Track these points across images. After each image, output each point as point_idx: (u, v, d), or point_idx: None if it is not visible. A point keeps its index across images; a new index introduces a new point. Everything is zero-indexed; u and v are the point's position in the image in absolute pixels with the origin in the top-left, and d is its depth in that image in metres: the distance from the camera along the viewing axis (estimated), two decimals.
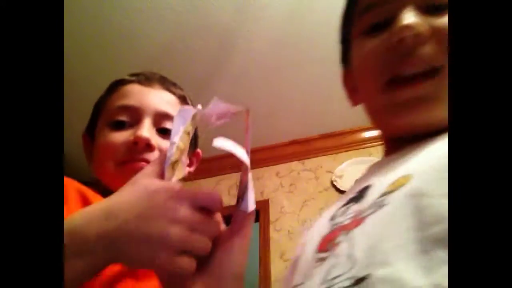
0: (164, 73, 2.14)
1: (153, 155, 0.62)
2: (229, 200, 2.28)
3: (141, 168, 0.58)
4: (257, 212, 2.15)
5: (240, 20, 1.67)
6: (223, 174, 2.39)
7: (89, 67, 1.88)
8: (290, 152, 2.28)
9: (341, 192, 2.03)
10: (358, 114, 2.22)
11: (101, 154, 0.63)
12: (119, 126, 0.63)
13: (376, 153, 2.14)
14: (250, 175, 0.42)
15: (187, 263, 0.34)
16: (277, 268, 1.90)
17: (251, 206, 0.41)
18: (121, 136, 0.62)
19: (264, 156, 2.33)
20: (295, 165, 2.27)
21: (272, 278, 1.88)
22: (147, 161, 0.61)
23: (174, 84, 0.74)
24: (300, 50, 1.80)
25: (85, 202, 0.54)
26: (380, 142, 2.25)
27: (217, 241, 0.39)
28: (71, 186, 0.55)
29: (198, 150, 0.77)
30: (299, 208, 2.08)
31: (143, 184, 0.36)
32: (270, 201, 2.17)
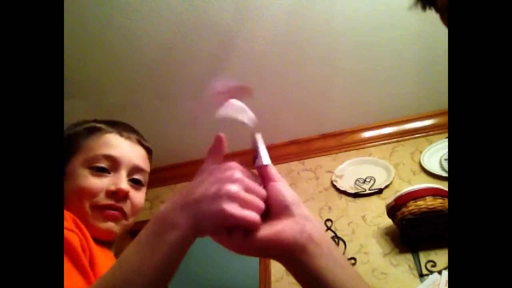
0: (164, 73, 2.14)
1: (127, 205, 0.72)
2: None
3: (115, 217, 0.70)
4: None
5: (240, 20, 1.67)
6: None
7: (89, 67, 1.88)
8: (290, 152, 2.28)
9: (341, 192, 2.03)
10: (358, 114, 2.23)
11: (79, 195, 0.69)
12: (99, 171, 0.71)
13: (376, 153, 2.14)
14: (259, 135, 0.54)
15: (251, 214, 0.40)
16: (277, 268, 1.90)
17: (266, 160, 0.50)
18: (101, 182, 0.70)
19: None
20: (295, 165, 2.27)
21: (272, 278, 1.88)
22: (122, 210, 0.71)
23: (143, 137, 0.83)
24: (300, 50, 1.80)
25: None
26: (380, 142, 2.24)
27: (268, 193, 0.47)
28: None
29: None
30: None
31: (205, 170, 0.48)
32: None
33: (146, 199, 2.68)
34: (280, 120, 2.14)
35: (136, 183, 0.75)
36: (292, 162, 2.28)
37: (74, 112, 2.10)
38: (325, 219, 1.95)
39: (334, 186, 2.06)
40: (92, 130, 0.75)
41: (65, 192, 0.70)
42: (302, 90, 1.98)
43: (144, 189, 0.78)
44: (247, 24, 1.68)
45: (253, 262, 2.24)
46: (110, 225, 0.69)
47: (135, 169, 0.75)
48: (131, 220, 0.74)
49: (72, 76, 1.90)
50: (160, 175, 2.49)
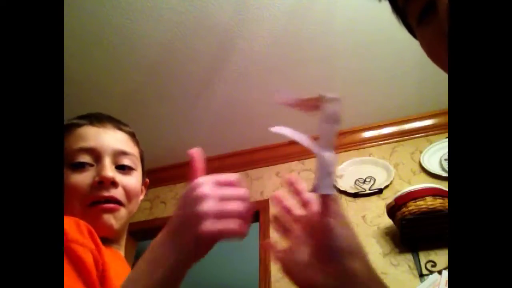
0: (164, 73, 2.14)
1: (118, 192, 0.68)
2: None
3: (109, 209, 0.66)
4: (257, 212, 2.15)
5: (240, 20, 1.67)
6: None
7: (89, 67, 1.88)
8: (290, 152, 2.28)
9: (341, 192, 2.03)
10: (358, 114, 2.23)
11: (66, 196, 0.65)
12: (80, 167, 0.67)
13: (376, 153, 2.14)
14: (323, 159, 0.44)
15: (229, 224, 0.40)
16: (277, 268, 1.90)
17: (328, 188, 0.44)
18: (84, 177, 0.66)
19: (264, 156, 2.33)
20: (295, 165, 2.27)
21: (272, 278, 1.88)
22: (114, 198, 0.67)
23: (122, 122, 0.79)
24: (300, 50, 1.80)
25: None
26: (380, 142, 2.24)
27: (318, 228, 0.43)
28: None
29: (147, 180, 0.84)
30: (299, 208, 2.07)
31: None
32: (270, 201, 2.17)
33: (146, 199, 2.67)
34: (280, 120, 2.14)
35: (124, 169, 0.71)
36: (292, 162, 2.28)
37: (74, 112, 2.11)
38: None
39: (334, 186, 2.06)
40: (65, 128, 0.72)
41: None
42: (302, 90, 1.98)
43: (136, 173, 0.73)
44: (247, 24, 1.69)
45: (253, 262, 2.24)
46: (107, 218, 0.65)
47: (119, 154, 0.71)
48: (130, 207, 0.71)
49: (72, 76, 1.90)
50: (160, 175, 2.49)
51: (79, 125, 0.72)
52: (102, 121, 0.74)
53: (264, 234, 2.04)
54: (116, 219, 0.67)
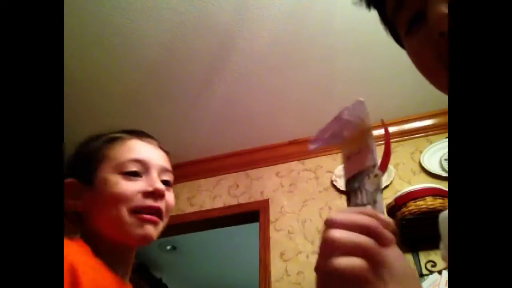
0: (164, 73, 2.14)
1: (162, 205, 0.71)
2: (229, 200, 2.28)
3: (153, 221, 0.69)
4: (257, 212, 2.15)
5: (240, 20, 1.67)
6: (223, 174, 2.39)
7: (89, 67, 1.88)
8: (290, 152, 2.28)
9: (341, 192, 2.03)
10: None
11: (114, 201, 0.68)
12: (132, 175, 0.71)
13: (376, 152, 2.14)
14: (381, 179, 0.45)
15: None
16: (277, 268, 1.90)
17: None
18: (135, 185, 0.70)
19: (264, 156, 2.33)
20: (295, 165, 2.27)
21: (272, 278, 1.88)
22: (160, 210, 0.70)
23: (159, 142, 0.84)
24: (300, 50, 1.80)
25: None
26: (380, 142, 2.23)
27: None
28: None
29: None
30: (299, 208, 2.08)
31: None
32: (270, 201, 2.17)
33: None
34: (280, 120, 2.14)
35: (166, 184, 0.75)
36: (292, 162, 2.28)
37: (74, 112, 2.11)
38: (325, 219, 1.94)
39: (334, 186, 2.06)
40: (113, 139, 0.76)
41: (97, 203, 0.70)
42: (302, 90, 1.98)
43: (172, 190, 0.78)
44: (247, 24, 1.69)
45: (253, 262, 2.24)
46: (149, 229, 0.68)
47: (163, 170, 0.75)
48: (166, 220, 0.74)
49: (72, 76, 1.90)
50: None
51: (129, 139, 0.77)
52: (148, 138, 0.80)
53: (264, 234, 2.04)
54: (156, 231, 0.70)
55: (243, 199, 2.25)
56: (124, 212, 0.67)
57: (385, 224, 0.37)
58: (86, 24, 1.68)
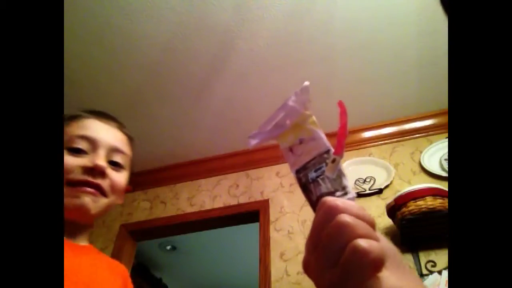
0: (164, 73, 2.14)
1: (104, 182, 0.71)
2: (229, 200, 2.28)
3: (91, 193, 0.68)
4: (257, 212, 2.15)
5: (240, 20, 1.67)
6: (223, 174, 2.39)
7: (90, 68, 1.88)
8: None
9: None
10: (358, 114, 2.22)
11: None
12: (76, 152, 0.71)
13: (376, 153, 2.14)
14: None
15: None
16: (277, 268, 1.90)
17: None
18: (77, 161, 0.70)
19: (264, 156, 2.33)
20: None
21: (272, 278, 1.88)
22: (99, 187, 0.70)
23: (123, 125, 0.84)
24: (300, 50, 1.80)
25: None
26: (380, 142, 2.23)
27: None
28: None
29: (129, 186, 0.85)
30: (299, 208, 2.08)
31: None
32: (270, 201, 2.17)
33: (146, 199, 2.67)
34: None
35: (115, 165, 0.75)
36: None
37: (74, 111, 2.11)
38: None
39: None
40: (73, 117, 0.77)
41: None
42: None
43: (125, 172, 0.77)
44: (247, 24, 1.69)
45: (253, 262, 2.24)
46: (85, 200, 0.67)
47: (113, 150, 0.75)
48: (111, 199, 0.73)
49: (72, 76, 1.90)
50: (160, 175, 2.50)
51: (86, 117, 0.78)
52: (108, 119, 0.80)
53: (264, 234, 2.04)
54: (94, 204, 0.69)
55: (243, 199, 2.25)
56: (65, 185, 0.67)
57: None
58: (86, 24, 1.68)
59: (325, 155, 0.42)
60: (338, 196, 0.39)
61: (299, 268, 1.86)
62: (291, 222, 2.04)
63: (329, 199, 0.34)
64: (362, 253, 0.29)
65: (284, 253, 1.94)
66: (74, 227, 0.70)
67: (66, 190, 0.67)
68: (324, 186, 0.41)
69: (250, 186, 2.29)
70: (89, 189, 0.68)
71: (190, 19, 1.66)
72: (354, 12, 1.65)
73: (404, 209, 1.60)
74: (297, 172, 0.44)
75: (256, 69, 1.88)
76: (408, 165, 2.03)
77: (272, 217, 2.10)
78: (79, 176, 0.68)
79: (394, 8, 1.62)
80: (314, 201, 0.41)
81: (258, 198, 2.21)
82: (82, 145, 0.71)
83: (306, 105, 0.45)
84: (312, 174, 0.43)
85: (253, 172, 2.34)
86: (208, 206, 2.29)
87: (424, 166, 1.95)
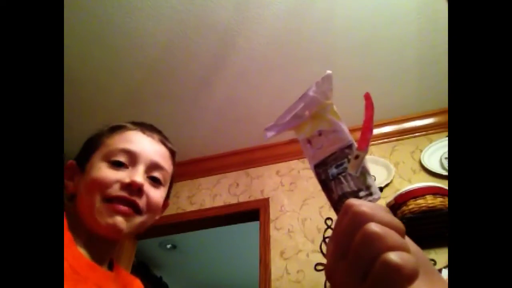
0: (164, 72, 2.14)
1: (141, 200, 0.68)
2: (229, 198, 2.28)
3: (124, 212, 0.66)
4: (257, 210, 2.15)
5: (240, 18, 1.67)
6: (223, 173, 2.39)
7: (90, 67, 1.88)
8: (290, 150, 2.28)
9: None
10: (358, 113, 2.23)
11: (91, 186, 0.67)
12: (116, 165, 0.69)
13: (376, 151, 2.14)
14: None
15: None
16: (277, 266, 1.90)
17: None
18: (115, 174, 0.68)
19: (264, 155, 2.33)
20: (295, 163, 2.27)
21: (272, 277, 1.88)
22: (135, 204, 0.67)
23: (167, 139, 0.81)
24: (300, 49, 1.80)
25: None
26: (380, 141, 2.24)
27: None
28: None
29: (168, 201, 0.82)
30: (299, 207, 2.08)
31: None
32: (270, 200, 2.17)
33: None
34: None
35: (154, 181, 0.72)
36: (292, 161, 2.28)
37: (74, 112, 2.11)
38: (325, 217, 1.95)
39: None
40: (115, 128, 0.75)
41: (82, 187, 0.68)
42: (303, 88, 1.97)
43: (163, 189, 0.74)
44: (248, 22, 1.68)
45: (253, 260, 2.25)
46: (118, 220, 0.65)
47: (153, 166, 0.72)
48: (146, 217, 0.70)
49: (72, 74, 1.90)
50: None
51: (131, 129, 0.75)
52: (152, 132, 0.77)
53: (264, 232, 2.04)
54: (127, 223, 0.67)
55: (243, 198, 2.25)
56: (97, 198, 0.65)
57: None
58: (86, 23, 1.68)
59: (347, 150, 0.39)
60: (362, 196, 0.37)
61: (299, 266, 1.86)
62: (291, 221, 2.04)
63: (355, 203, 0.32)
64: (394, 269, 0.27)
65: (284, 252, 1.94)
66: (103, 242, 0.68)
67: (102, 205, 0.65)
68: (347, 185, 0.38)
69: (250, 184, 2.29)
70: (123, 208, 0.66)
71: (190, 18, 1.66)
72: (354, 10, 1.64)
73: (404, 208, 1.60)
74: (316, 167, 0.41)
75: (256, 67, 1.88)
76: (408, 163, 2.03)
77: (272, 216, 2.10)
78: (116, 192, 0.66)
79: (394, 6, 1.62)
80: (335, 200, 0.38)
81: (258, 196, 2.21)
82: (122, 158, 0.69)
83: (328, 94, 0.41)
84: (333, 171, 0.39)
85: (253, 171, 2.34)
86: (208, 205, 2.29)
87: (424, 165, 1.95)
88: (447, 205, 1.58)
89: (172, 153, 0.80)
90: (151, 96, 2.04)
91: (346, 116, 1.96)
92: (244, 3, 1.61)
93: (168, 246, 3.49)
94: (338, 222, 0.33)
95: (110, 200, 0.66)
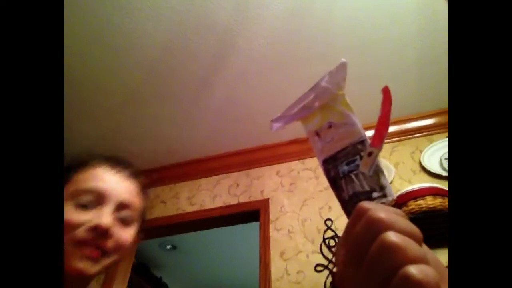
0: (164, 72, 2.14)
1: (109, 242, 0.67)
2: (229, 199, 2.28)
3: (92, 257, 0.65)
4: (257, 211, 2.15)
5: (240, 19, 1.67)
6: (223, 173, 2.39)
7: (89, 67, 1.88)
8: (291, 151, 2.28)
9: None
10: (357, 113, 2.21)
11: None
12: (83, 206, 0.67)
13: None
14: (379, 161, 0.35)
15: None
16: (277, 267, 1.90)
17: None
18: (82, 217, 0.66)
19: (264, 155, 2.33)
20: (295, 164, 2.27)
21: (272, 277, 1.88)
22: (103, 247, 0.66)
23: (140, 173, 0.78)
24: (299, 49, 1.80)
25: None
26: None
27: None
28: None
29: (140, 235, 0.81)
30: (299, 208, 2.08)
31: None
32: (270, 200, 2.17)
33: None
34: None
35: (123, 221, 0.70)
36: (292, 162, 2.28)
37: (74, 111, 2.11)
38: (325, 218, 1.95)
39: None
40: (81, 164, 0.73)
41: None
42: (303, 88, 1.97)
43: (133, 227, 0.72)
44: (247, 23, 1.68)
45: (253, 261, 2.25)
46: (86, 264, 0.64)
47: (122, 205, 0.70)
48: (115, 257, 0.69)
49: (72, 75, 1.90)
50: (160, 175, 2.50)
51: (98, 165, 0.73)
52: (121, 167, 0.75)
53: (264, 233, 2.04)
54: (94, 267, 0.66)
55: (243, 199, 2.25)
56: (67, 242, 0.64)
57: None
58: (86, 23, 1.68)
59: (359, 146, 0.36)
60: (375, 198, 0.34)
61: (299, 267, 1.86)
62: (291, 222, 2.04)
63: (371, 207, 0.30)
64: (415, 284, 0.26)
65: (284, 252, 1.94)
66: (75, 279, 0.67)
67: (69, 248, 0.64)
68: (358, 184, 0.34)
69: (250, 185, 2.29)
70: (90, 252, 0.64)
71: (190, 18, 1.66)
72: (354, 10, 1.64)
73: (404, 209, 1.60)
74: (325, 162, 0.38)
75: (256, 67, 1.88)
76: (408, 164, 2.03)
77: (272, 217, 2.10)
78: (83, 235, 0.65)
79: (394, 7, 1.62)
80: (345, 200, 0.35)
81: (258, 197, 2.21)
82: (88, 198, 0.68)
83: (341, 84, 0.38)
84: (344, 168, 0.36)
85: (253, 171, 2.34)
86: (208, 205, 2.29)
87: (424, 166, 1.95)
88: (447, 206, 1.58)
89: (143, 187, 0.78)
90: (151, 96, 2.04)
91: None
92: (243, 4, 1.61)
93: (168, 246, 3.49)
94: (350, 225, 0.31)
95: (77, 243, 0.64)
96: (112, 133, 2.24)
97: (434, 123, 2.09)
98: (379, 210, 0.29)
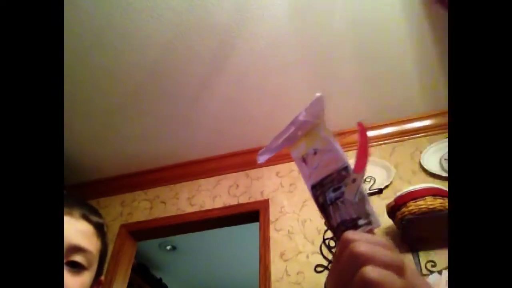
0: (164, 73, 2.13)
1: None
2: (229, 200, 2.28)
3: None
4: (257, 212, 2.15)
5: (240, 20, 1.67)
6: (223, 174, 2.39)
7: (89, 67, 1.88)
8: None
9: None
10: (358, 114, 2.22)
11: None
12: None
13: (376, 153, 2.14)
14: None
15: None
16: (277, 268, 1.90)
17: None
18: None
19: None
20: (295, 165, 2.26)
21: (272, 278, 1.88)
22: None
23: (94, 211, 0.71)
24: (300, 50, 1.80)
25: None
26: (380, 142, 2.23)
27: None
28: None
29: (102, 277, 0.74)
30: (299, 208, 2.08)
31: None
32: (270, 201, 2.17)
33: (146, 199, 2.65)
34: (280, 120, 2.14)
35: (74, 266, 0.62)
36: (292, 162, 2.26)
37: (74, 111, 2.11)
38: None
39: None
40: None
41: None
42: (302, 89, 1.98)
43: (87, 273, 0.65)
44: (247, 24, 1.69)
45: (253, 262, 2.24)
46: None
47: (73, 250, 0.63)
48: None
49: (72, 75, 1.90)
50: (160, 175, 2.50)
51: None
52: (71, 207, 0.68)
53: (264, 234, 2.04)
54: None
55: (243, 199, 2.25)
56: None
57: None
58: (86, 24, 1.68)
59: (343, 172, 0.38)
60: (361, 225, 0.36)
61: (299, 268, 1.86)
62: (291, 222, 2.04)
63: (354, 238, 0.32)
64: (367, 282, 0.28)
65: (284, 253, 1.94)
66: None
67: None
68: (345, 212, 0.36)
69: (250, 186, 2.29)
70: None
71: (190, 19, 1.66)
72: (355, 12, 1.65)
73: (404, 209, 1.60)
74: (313, 188, 0.40)
75: (256, 68, 1.88)
76: (408, 165, 2.03)
77: (272, 217, 2.10)
78: None
79: (395, 8, 1.62)
80: (334, 228, 0.37)
81: (258, 198, 2.21)
82: None
83: (320, 115, 0.41)
84: (331, 195, 0.38)
85: (253, 172, 2.34)
86: (208, 206, 2.29)
87: (424, 166, 1.95)
88: (447, 206, 1.58)
89: (98, 227, 0.71)
90: (150, 97, 2.04)
91: (346, 117, 1.98)
92: (243, 5, 1.62)
93: (168, 247, 3.49)
94: (337, 255, 0.33)
95: None
96: (112, 134, 2.24)
97: (434, 124, 2.09)
98: (361, 244, 0.31)
